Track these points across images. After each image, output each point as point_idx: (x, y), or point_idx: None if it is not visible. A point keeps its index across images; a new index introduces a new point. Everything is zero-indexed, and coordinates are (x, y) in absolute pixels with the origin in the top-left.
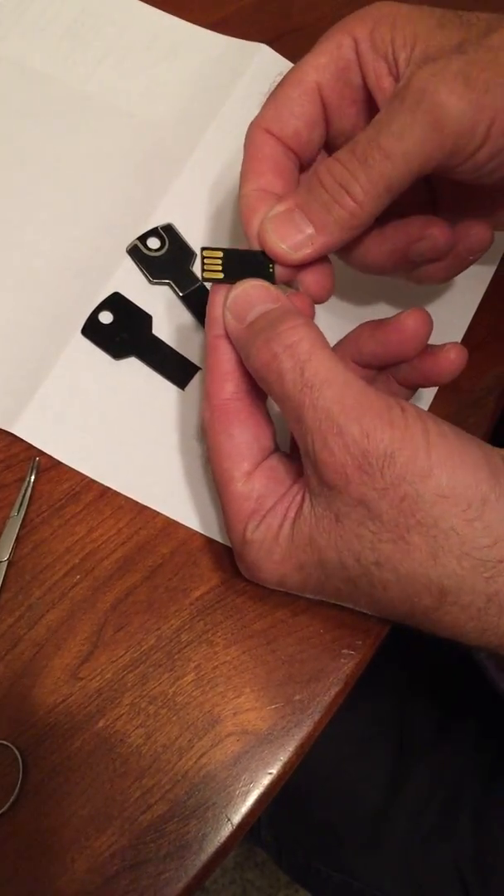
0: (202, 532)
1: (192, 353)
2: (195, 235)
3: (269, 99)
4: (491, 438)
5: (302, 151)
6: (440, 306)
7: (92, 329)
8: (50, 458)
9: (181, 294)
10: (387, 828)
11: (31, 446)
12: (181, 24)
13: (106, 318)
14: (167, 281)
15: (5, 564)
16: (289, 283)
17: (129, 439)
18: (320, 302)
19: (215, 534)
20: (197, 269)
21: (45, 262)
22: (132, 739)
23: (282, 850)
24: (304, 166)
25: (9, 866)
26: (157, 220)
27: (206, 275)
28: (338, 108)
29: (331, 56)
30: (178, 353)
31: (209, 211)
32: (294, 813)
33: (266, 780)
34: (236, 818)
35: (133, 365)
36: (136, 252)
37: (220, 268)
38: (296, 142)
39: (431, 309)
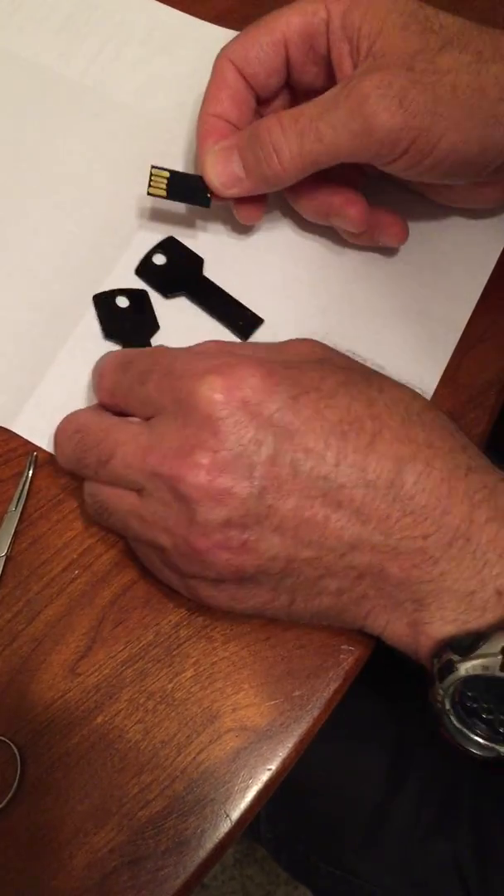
0: None
1: None
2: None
3: (241, 34)
4: (490, 434)
5: (259, 91)
6: (440, 300)
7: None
8: (48, 452)
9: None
10: (386, 824)
11: (29, 441)
12: (180, 16)
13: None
14: (181, 294)
15: (3, 559)
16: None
17: None
18: (246, 224)
19: None
20: (208, 273)
21: (42, 257)
22: (130, 735)
23: (281, 847)
24: (263, 102)
25: (6, 862)
26: (156, 211)
27: (151, 191)
28: (300, 64)
29: (303, 19)
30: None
31: None
32: (293, 809)
33: (265, 777)
34: (235, 814)
35: None
36: (144, 272)
37: (164, 187)
38: (255, 82)
39: (431, 303)
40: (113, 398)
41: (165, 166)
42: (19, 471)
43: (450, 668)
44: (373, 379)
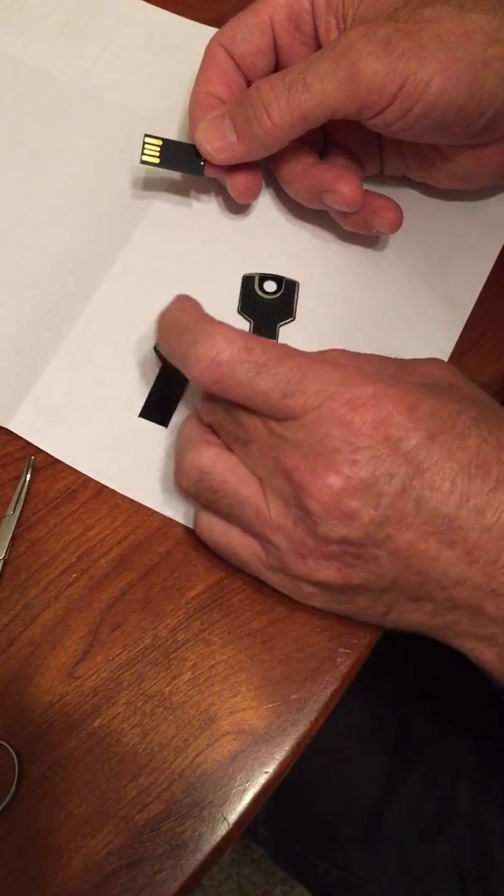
0: None
1: None
2: (190, 224)
3: (232, 19)
4: None
5: (248, 72)
6: (438, 301)
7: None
8: (46, 456)
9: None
10: (384, 823)
11: (27, 444)
12: (178, 20)
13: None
14: (250, 321)
15: (1, 563)
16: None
17: (126, 437)
18: (242, 202)
19: None
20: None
21: (40, 257)
22: (128, 738)
23: (278, 846)
24: (252, 83)
25: (4, 866)
26: (154, 214)
27: (144, 158)
28: (287, 45)
29: (288, 1)
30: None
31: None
32: (291, 808)
33: (262, 779)
34: (232, 817)
35: (131, 363)
36: (248, 284)
37: (157, 154)
38: (243, 63)
39: (427, 304)
40: (249, 401)
41: (158, 135)
42: (17, 474)
43: None
44: (501, 416)
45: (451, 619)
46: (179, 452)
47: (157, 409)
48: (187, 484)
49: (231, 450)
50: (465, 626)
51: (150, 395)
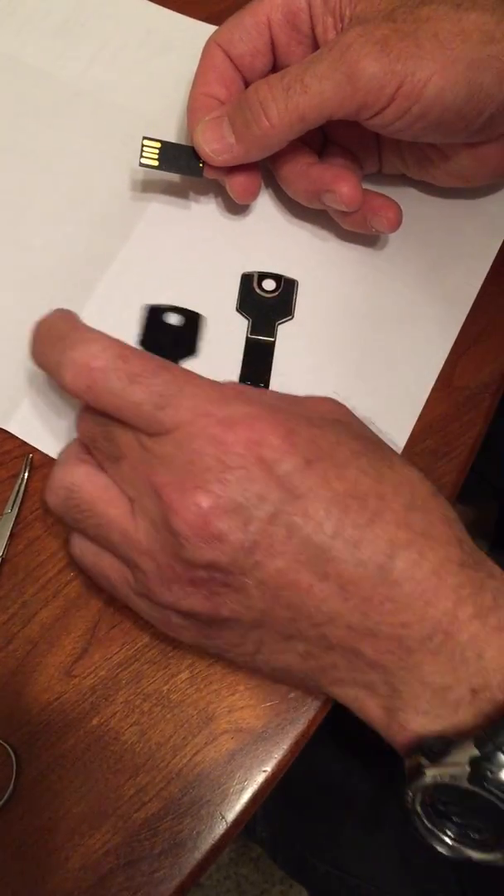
0: None
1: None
2: (189, 223)
3: (229, 19)
4: (486, 436)
5: (246, 72)
6: (436, 299)
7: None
8: (44, 454)
9: (249, 333)
10: (383, 823)
11: (24, 443)
12: (176, 17)
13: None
14: (249, 318)
15: None
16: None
17: None
18: (241, 202)
19: None
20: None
21: (38, 256)
22: (126, 737)
23: (277, 846)
24: (249, 83)
25: (2, 864)
26: (152, 214)
27: (143, 161)
28: (285, 45)
29: (285, 0)
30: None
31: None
32: (289, 808)
33: (260, 778)
34: (231, 816)
35: None
36: (247, 282)
37: (156, 157)
38: (240, 63)
39: (427, 301)
40: (121, 412)
41: (156, 137)
42: (15, 473)
43: (419, 772)
44: (385, 453)
45: (327, 661)
46: (52, 471)
47: None
48: (55, 502)
49: (104, 470)
50: (343, 672)
51: None
